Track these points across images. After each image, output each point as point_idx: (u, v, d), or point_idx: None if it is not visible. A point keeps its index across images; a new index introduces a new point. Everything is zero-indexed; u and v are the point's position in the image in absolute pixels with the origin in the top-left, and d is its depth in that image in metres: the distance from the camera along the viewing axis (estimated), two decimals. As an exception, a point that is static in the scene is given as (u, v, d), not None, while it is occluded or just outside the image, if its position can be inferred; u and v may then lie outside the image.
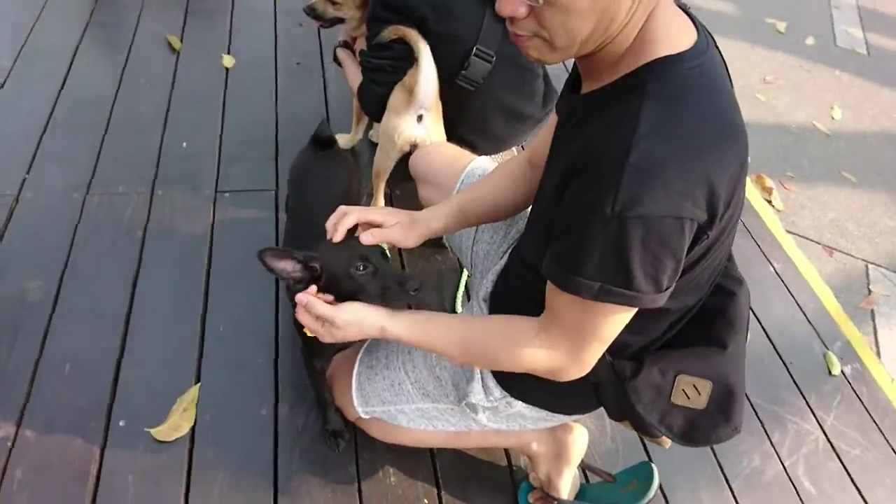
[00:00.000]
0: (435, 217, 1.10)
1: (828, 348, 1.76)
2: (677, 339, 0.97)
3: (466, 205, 1.13)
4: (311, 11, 1.74)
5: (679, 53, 0.73)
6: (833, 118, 2.90)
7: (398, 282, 0.92)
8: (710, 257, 0.82)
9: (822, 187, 2.48)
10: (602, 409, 1.05)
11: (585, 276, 0.74)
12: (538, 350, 0.85)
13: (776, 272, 1.94)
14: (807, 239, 2.23)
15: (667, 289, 0.76)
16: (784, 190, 2.43)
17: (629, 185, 0.68)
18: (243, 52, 2.38)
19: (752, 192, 2.24)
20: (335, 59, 1.85)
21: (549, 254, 0.79)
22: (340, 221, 0.99)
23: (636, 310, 0.79)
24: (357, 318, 0.91)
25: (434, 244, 1.71)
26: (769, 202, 2.34)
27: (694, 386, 0.93)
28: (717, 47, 0.87)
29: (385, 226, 1.03)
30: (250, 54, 2.37)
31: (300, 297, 0.90)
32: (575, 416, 1.14)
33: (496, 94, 1.63)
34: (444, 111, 1.61)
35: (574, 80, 0.89)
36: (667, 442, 1.10)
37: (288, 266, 0.91)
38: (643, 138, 0.68)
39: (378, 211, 1.05)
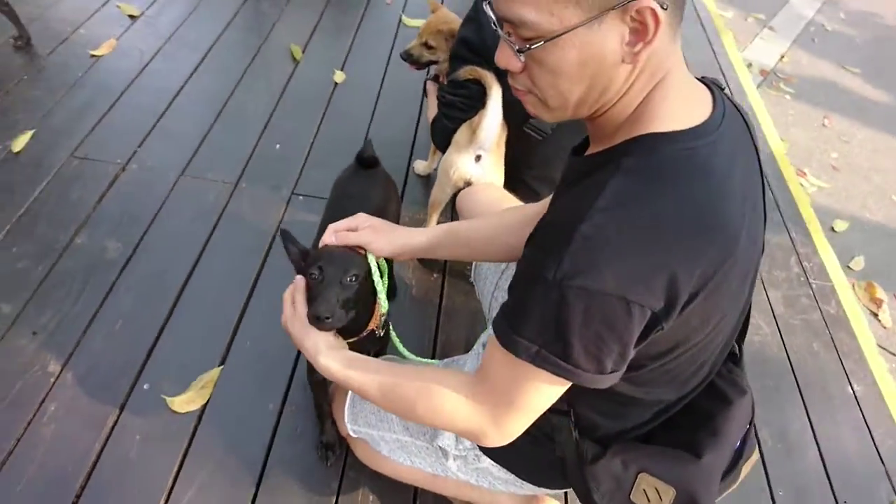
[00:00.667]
0: (419, 232, 1.09)
1: (897, 495, 1.53)
2: (653, 435, 0.89)
3: (460, 230, 1.12)
4: (408, 57, 1.82)
5: (672, 132, 0.68)
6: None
7: (314, 304, 0.91)
8: (683, 352, 0.75)
9: (946, 312, 2.18)
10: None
11: (525, 337, 0.70)
12: (460, 405, 0.80)
13: (854, 394, 1.72)
14: (911, 366, 1.96)
15: (612, 372, 0.70)
16: (899, 306, 2.16)
17: (574, 255, 0.64)
18: (355, 69, 2.53)
19: (850, 299, 2.00)
20: (424, 90, 1.92)
21: (500, 308, 0.76)
22: (336, 236, 1.02)
23: (567, 385, 0.73)
24: (304, 329, 0.93)
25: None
26: (875, 315, 2.08)
27: (656, 489, 0.84)
28: (750, 132, 0.80)
29: (359, 228, 1.03)
30: (360, 73, 2.51)
31: (298, 277, 0.97)
32: (545, 490, 1.07)
33: (564, 145, 1.59)
34: (511, 155, 1.61)
35: (583, 142, 0.86)
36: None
37: (292, 250, 1.00)
38: (600, 211, 0.64)
39: (365, 234, 1.04)
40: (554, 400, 0.77)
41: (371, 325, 1.06)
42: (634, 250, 0.64)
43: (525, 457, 1.00)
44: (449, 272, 1.81)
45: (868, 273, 2.23)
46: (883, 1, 4.22)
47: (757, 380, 1.70)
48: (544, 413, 0.81)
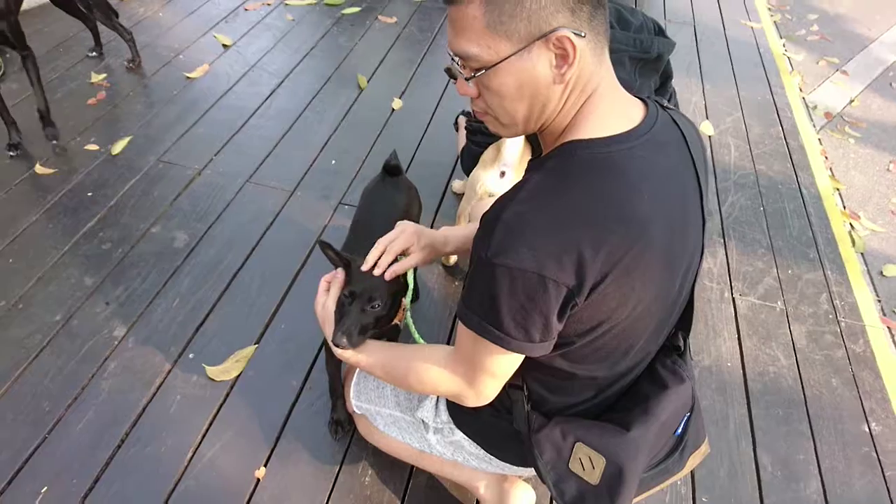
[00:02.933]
0: (450, 240, 1.20)
1: (904, 538, 1.48)
2: (592, 410, 0.98)
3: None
4: (449, 72, 2.01)
5: (591, 139, 0.80)
6: None
7: (337, 325, 1.06)
8: (607, 330, 0.85)
9: None
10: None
11: (471, 308, 0.84)
12: (441, 375, 0.95)
13: (870, 432, 1.67)
14: (952, 418, 1.87)
15: (541, 341, 0.82)
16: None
17: (498, 237, 0.77)
18: (412, 99, 2.75)
19: (881, 340, 1.95)
20: (455, 123, 2.10)
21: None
22: (382, 260, 1.10)
23: (519, 355, 0.85)
24: (328, 315, 1.09)
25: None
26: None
27: (589, 458, 0.93)
28: (686, 141, 0.90)
29: (411, 250, 1.16)
30: (416, 102, 2.73)
31: (338, 271, 1.13)
32: (512, 467, 1.16)
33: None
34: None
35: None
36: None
37: (333, 256, 1.12)
38: (519, 201, 0.77)
39: (407, 237, 1.15)
40: (509, 366, 0.89)
41: (396, 321, 1.20)
42: (546, 233, 0.76)
43: (490, 429, 1.10)
44: (470, 280, 1.94)
45: (908, 315, 2.15)
46: (974, 48, 4.03)
47: (765, 409, 1.70)
48: (504, 388, 0.94)
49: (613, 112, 0.84)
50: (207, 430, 1.53)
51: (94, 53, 2.78)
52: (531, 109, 0.83)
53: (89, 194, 2.12)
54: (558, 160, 0.82)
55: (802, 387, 1.76)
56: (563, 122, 0.85)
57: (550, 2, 0.74)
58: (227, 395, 1.61)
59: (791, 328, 1.93)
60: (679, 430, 1.02)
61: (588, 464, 0.94)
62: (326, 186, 2.25)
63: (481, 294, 0.81)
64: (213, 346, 1.71)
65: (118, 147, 2.31)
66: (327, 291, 1.13)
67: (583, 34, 0.76)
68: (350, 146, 2.44)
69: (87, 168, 2.21)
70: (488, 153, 1.74)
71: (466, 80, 0.84)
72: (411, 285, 1.22)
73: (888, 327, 2.03)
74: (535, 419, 0.99)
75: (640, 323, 0.88)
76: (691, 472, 1.54)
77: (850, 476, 1.58)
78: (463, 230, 1.23)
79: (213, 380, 1.63)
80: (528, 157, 1.74)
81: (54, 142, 2.27)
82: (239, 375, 1.65)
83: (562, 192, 0.78)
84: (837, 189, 2.65)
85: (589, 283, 0.77)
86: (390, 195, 1.57)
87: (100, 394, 1.58)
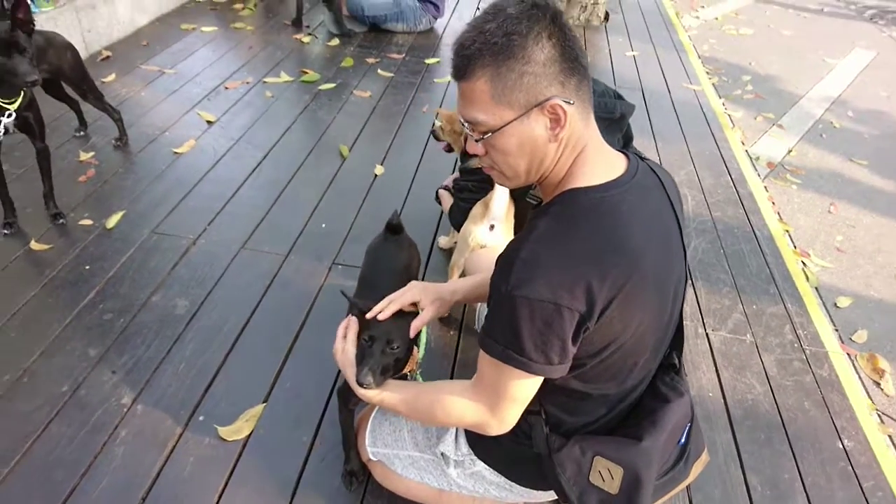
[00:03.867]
0: (458, 290, 1.33)
1: (886, 544, 1.60)
2: (605, 427, 1.09)
3: (485, 280, 1.33)
4: (434, 134, 2.21)
5: (587, 186, 0.96)
6: None
7: (360, 366, 1.15)
8: (615, 350, 0.97)
9: (953, 385, 2.25)
10: None
11: (493, 338, 0.95)
12: (465, 406, 1.05)
13: (844, 448, 1.81)
14: (914, 432, 2.03)
15: (559, 363, 0.94)
16: (902, 377, 2.25)
17: (517, 273, 0.90)
18: (393, 165, 2.92)
19: (843, 364, 2.13)
20: (436, 197, 2.27)
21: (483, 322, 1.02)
22: (387, 308, 1.21)
23: (539, 377, 0.97)
24: (349, 360, 1.19)
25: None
26: (877, 384, 2.18)
27: (608, 469, 1.04)
28: (664, 186, 1.06)
29: (423, 308, 1.27)
30: (397, 168, 2.90)
31: (352, 318, 1.23)
32: (533, 493, 1.24)
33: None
34: (519, 223, 1.90)
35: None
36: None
37: (354, 303, 1.24)
38: (532, 241, 0.92)
39: (414, 293, 1.27)
40: (530, 391, 1.00)
41: (407, 369, 1.29)
42: (558, 267, 0.90)
43: (510, 456, 1.20)
44: (465, 329, 2.06)
45: (871, 346, 2.34)
46: (888, 101, 4.50)
47: (748, 433, 1.83)
48: (522, 415, 1.04)
49: (602, 163, 1.00)
50: (224, 489, 1.56)
51: (80, 133, 2.88)
52: (531, 164, 0.98)
53: (87, 268, 2.17)
54: (561, 206, 0.97)
55: (779, 411, 1.91)
56: (559, 174, 1.00)
57: (544, 77, 0.91)
58: (241, 453, 1.64)
59: (762, 357, 2.09)
60: (682, 440, 1.14)
61: (608, 475, 1.04)
62: (319, 248, 2.35)
63: (503, 324, 0.93)
64: (222, 408, 1.75)
65: (112, 221, 2.37)
66: (344, 338, 1.23)
67: (571, 102, 0.93)
68: (338, 210, 2.57)
69: (83, 243, 2.27)
70: (477, 209, 1.89)
71: (476, 141, 0.99)
72: (424, 337, 1.33)
73: (847, 353, 2.22)
74: (554, 440, 1.09)
75: (641, 342, 1.01)
76: (689, 495, 1.64)
77: (832, 490, 1.70)
78: (470, 281, 1.36)
79: (225, 440, 1.67)
80: (513, 210, 1.90)
81: (61, 221, 2.33)
82: (250, 434, 1.69)
83: (568, 231, 0.92)
84: (787, 230, 2.90)
85: (598, 309, 0.90)
86: (393, 251, 1.70)
87: (113, 460, 1.60)
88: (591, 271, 0.89)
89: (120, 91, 3.28)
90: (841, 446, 1.83)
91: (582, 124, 0.96)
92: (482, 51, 0.90)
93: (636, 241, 0.93)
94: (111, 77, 3.39)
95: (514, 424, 1.04)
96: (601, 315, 0.91)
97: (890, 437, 1.94)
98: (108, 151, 2.80)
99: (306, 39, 4.18)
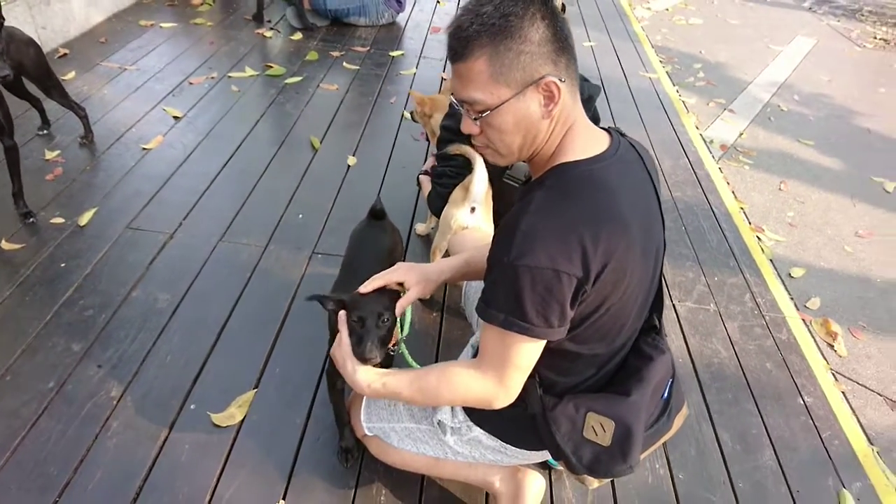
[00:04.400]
0: (442, 270, 1.37)
1: (844, 486, 1.73)
2: (594, 386, 1.17)
3: (471, 260, 1.39)
4: (412, 116, 2.28)
5: (576, 160, 1.03)
6: (931, 280, 2.82)
7: (361, 345, 1.19)
8: (605, 312, 1.05)
9: (897, 342, 2.43)
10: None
11: (494, 307, 1.01)
12: (471, 380, 1.10)
13: (805, 404, 1.96)
14: (864, 387, 2.18)
15: (559, 326, 1.00)
16: (852, 338, 2.41)
17: (518, 244, 0.96)
18: (365, 155, 2.96)
19: (800, 328, 2.28)
20: (418, 182, 2.33)
21: (480, 293, 1.08)
22: (371, 282, 1.27)
23: (542, 341, 1.03)
24: (345, 356, 1.21)
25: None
26: (831, 346, 2.34)
27: (601, 424, 1.12)
28: (643, 160, 1.15)
29: (407, 286, 1.31)
30: (370, 157, 2.94)
31: (341, 313, 1.25)
32: (526, 453, 1.32)
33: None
34: (497, 204, 1.97)
35: (529, 177, 1.21)
36: (592, 482, 1.25)
37: (329, 305, 1.28)
38: (530, 213, 0.98)
39: (399, 273, 1.31)
40: (533, 356, 1.05)
41: (389, 345, 1.33)
42: (556, 236, 0.96)
43: (506, 419, 1.26)
44: (446, 310, 2.12)
45: (824, 311, 2.50)
46: (830, 85, 4.75)
47: (717, 394, 1.96)
48: None
49: (589, 139, 1.07)
50: (221, 472, 1.59)
51: (43, 132, 2.82)
52: (524, 140, 1.05)
53: (62, 265, 2.14)
54: (554, 179, 1.03)
55: (743, 372, 2.04)
56: (550, 150, 1.07)
57: (539, 55, 0.97)
58: (235, 438, 1.67)
59: (725, 325, 2.23)
60: (665, 394, 1.23)
61: (600, 429, 1.12)
62: (297, 239, 2.38)
63: (505, 293, 0.99)
64: (212, 396, 1.77)
65: (85, 218, 2.35)
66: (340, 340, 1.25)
67: (563, 80, 0.99)
68: (314, 201, 2.60)
69: (57, 240, 2.24)
70: (457, 193, 1.95)
71: (474, 120, 1.05)
72: (409, 315, 1.38)
73: (803, 319, 2.37)
74: (548, 400, 1.16)
75: (628, 303, 1.09)
76: (666, 454, 1.74)
77: (796, 441, 1.84)
78: (455, 260, 1.41)
79: (218, 426, 1.69)
80: (491, 193, 1.97)
81: (31, 220, 2.29)
82: (243, 419, 1.72)
83: (562, 202, 0.99)
84: (742, 208, 3.06)
85: (594, 273, 0.97)
86: (376, 236, 1.74)
87: (107, 452, 1.60)
88: (585, 238, 0.95)
89: (81, 89, 3.21)
90: (802, 402, 1.97)
91: (571, 101, 1.04)
92: (480, 32, 0.96)
93: (624, 209, 1.01)
94: (71, 75, 3.32)
95: (518, 394, 1.09)
96: (597, 279, 0.98)
97: (843, 393, 2.09)
98: (74, 149, 2.75)
99: (269, 34, 4.16)
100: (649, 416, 1.19)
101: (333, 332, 1.31)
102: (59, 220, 2.34)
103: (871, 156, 3.82)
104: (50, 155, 2.68)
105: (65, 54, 3.54)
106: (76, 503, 1.49)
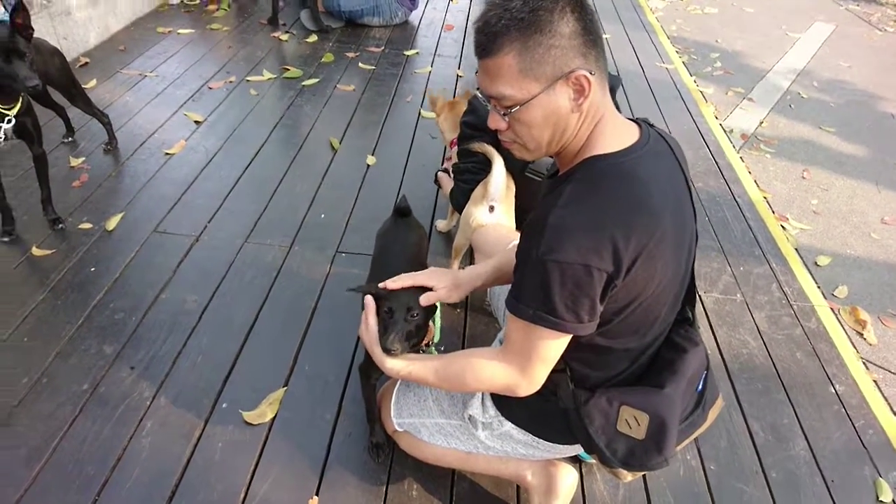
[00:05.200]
0: (475, 276, 1.37)
1: (881, 476, 1.71)
2: (628, 379, 1.17)
3: (502, 265, 1.40)
4: (433, 102, 2.33)
5: (606, 153, 1.02)
6: (959, 265, 2.77)
7: (386, 335, 1.21)
8: (637, 307, 1.04)
9: (928, 330, 2.39)
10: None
11: (523, 303, 1.01)
12: (496, 369, 1.11)
13: (836, 393, 1.93)
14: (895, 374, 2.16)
15: (589, 321, 1.00)
16: (882, 326, 2.37)
17: (548, 239, 0.95)
18: (384, 154, 2.97)
19: (829, 316, 2.25)
20: (435, 180, 2.33)
21: (510, 288, 1.08)
22: (400, 280, 1.28)
23: (569, 335, 1.03)
24: (374, 340, 1.24)
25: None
26: (860, 334, 2.31)
27: (634, 417, 1.11)
28: (673, 151, 1.14)
29: (436, 289, 1.30)
30: (389, 156, 2.95)
31: (369, 300, 1.27)
32: (558, 447, 1.32)
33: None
34: (520, 200, 1.97)
35: (555, 171, 1.21)
36: (625, 475, 1.25)
37: (363, 290, 1.29)
38: (560, 207, 0.97)
39: (430, 276, 1.30)
40: (559, 350, 1.05)
41: (424, 341, 1.35)
42: (586, 230, 0.95)
43: (537, 413, 1.26)
44: (470, 307, 2.12)
45: (852, 299, 2.47)
46: (850, 71, 4.68)
47: (746, 385, 1.94)
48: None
49: (618, 131, 1.06)
50: (255, 470, 1.61)
51: (68, 139, 2.86)
52: (553, 135, 1.04)
53: (92, 269, 2.18)
54: (584, 172, 1.03)
55: (773, 362, 2.02)
56: (579, 143, 1.06)
57: (569, 49, 0.97)
58: (268, 435, 1.69)
59: (753, 315, 2.20)
60: (700, 387, 1.22)
61: (634, 422, 1.11)
62: (321, 238, 2.40)
63: (534, 288, 0.99)
64: (243, 394, 1.79)
65: (112, 223, 2.38)
66: (367, 321, 1.27)
67: (593, 73, 0.99)
68: (335, 201, 2.61)
69: (86, 245, 2.28)
70: (477, 191, 1.95)
71: (502, 115, 1.04)
72: (439, 316, 1.39)
73: (831, 307, 2.34)
74: (580, 394, 1.16)
75: (661, 297, 1.08)
76: (697, 446, 1.73)
77: (829, 431, 1.82)
78: (486, 266, 1.41)
79: (250, 424, 1.71)
80: (513, 191, 1.97)
81: (60, 226, 2.34)
82: (275, 417, 1.74)
83: (592, 196, 0.99)
84: (765, 197, 3.02)
85: (624, 268, 0.96)
86: (402, 233, 1.75)
87: (142, 451, 1.63)
88: (616, 232, 0.95)
89: (103, 96, 3.26)
90: (833, 391, 1.94)
91: (600, 94, 1.03)
92: (509, 27, 0.95)
93: (655, 201, 1.00)
94: (92, 83, 3.37)
95: (542, 384, 1.10)
96: (627, 273, 0.97)
97: (875, 381, 2.06)
98: (98, 156, 2.80)
99: (284, 37, 4.19)
100: (684, 408, 1.18)
101: None
102: (87, 225, 2.38)
103: (895, 141, 3.75)
104: (75, 162, 2.73)
105: (86, 63, 3.60)
106: (115, 501, 1.52)
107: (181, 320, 2.01)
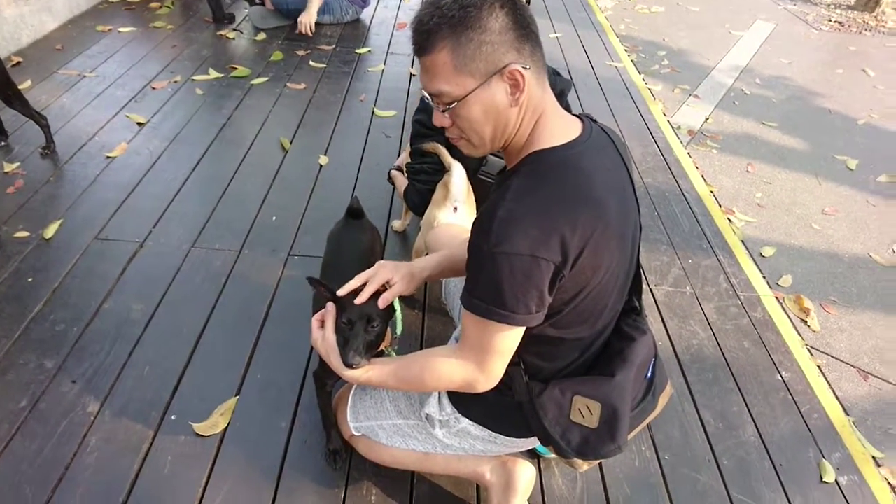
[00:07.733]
0: (427, 267, 1.37)
1: (824, 457, 1.78)
2: (579, 369, 1.18)
3: (454, 255, 1.39)
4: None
5: (550, 147, 1.03)
6: (894, 251, 2.90)
7: (346, 349, 1.17)
8: (586, 296, 1.05)
9: (867, 314, 2.48)
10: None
11: (476, 297, 1.01)
12: (453, 366, 1.11)
13: (783, 380, 2.00)
14: (838, 360, 2.24)
15: (537, 312, 1.01)
16: (824, 313, 2.46)
17: (497, 231, 0.96)
18: (337, 153, 2.93)
19: (774, 306, 2.33)
20: (389, 178, 2.30)
21: (464, 283, 1.07)
22: (365, 290, 1.22)
23: (522, 328, 1.04)
24: (330, 348, 1.21)
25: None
26: (804, 322, 2.39)
27: (587, 406, 1.12)
28: (615, 144, 1.15)
29: (392, 282, 1.29)
30: (342, 156, 2.91)
31: (329, 305, 1.24)
32: (515, 441, 1.32)
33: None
34: (477, 201, 1.97)
35: (504, 169, 1.21)
36: (581, 465, 1.26)
37: (323, 291, 1.24)
38: (507, 201, 0.98)
39: (387, 272, 1.29)
40: (514, 342, 1.06)
41: (383, 346, 1.32)
42: (533, 222, 0.96)
43: (493, 408, 1.26)
44: (428, 308, 2.11)
45: (796, 288, 2.56)
46: (790, 67, 4.86)
47: (697, 375, 1.99)
48: None
49: (561, 125, 1.08)
50: (207, 483, 1.56)
51: (1, 143, 2.72)
52: (495, 130, 1.05)
53: (29, 279, 2.08)
54: (529, 166, 1.04)
55: (722, 352, 2.07)
56: (522, 138, 1.07)
57: (500, 44, 0.98)
58: (220, 447, 1.64)
59: (702, 306, 2.26)
60: (649, 374, 1.24)
61: (587, 412, 1.13)
62: (272, 241, 2.35)
63: (485, 282, 0.99)
64: (193, 405, 1.74)
65: (50, 231, 2.28)
66: (321, 328, 1.25)
67: (528, 67, 1.00)
68: (287, 202, 2.56)
69: (22, 255, 2.17)
70: (438, 193, 1.93)
71: (442, 111, 1.04)
72: (399, 311, 1.37)
73: (776, 296, 2.42)
74: (534, 387, 1.16)
75: (608, 286, 1.10)
76: (651, 437, 1.76)
77: (776, 417, 1.88)
78: (437, 257, 1.41)
79: (201, 435, 1.66)
80: (472, 191, 1.96)
81: None
82: (227, 427, 1.69)
83: (539, 189, 0.99)
84: (712, 191, 3.11)
85: (571, 258, 0.98)
86: (355, 235, 1.73)
87: (86, 469, 1.56)
88: (563, 223, 0.96)
89: (39, 98, 3.11)
90: (780, 378, 2.01)
91: (539, 89, 1.04)
92: (441, 24, 0.96)
93: (599, 192, 1.01)
94: (27, 84, 3.21)
95: (500, 378, 1.11)
96: (574, 263, 0.98)
97: (819, 367, 2.14)
98: (35, 160, 2.67)
99: (231, 35, 4.09)
100: (635, 396, 1.20)
101: (317, 310, 1.29)
102: (23, 233, 2.26)
103: (833, 135, 3.91)
104: (9, 167, 2.59)
105: (18, 63, 3.43)
106: (57, 523, 1.45)
107: (126, 330, 1.94)
